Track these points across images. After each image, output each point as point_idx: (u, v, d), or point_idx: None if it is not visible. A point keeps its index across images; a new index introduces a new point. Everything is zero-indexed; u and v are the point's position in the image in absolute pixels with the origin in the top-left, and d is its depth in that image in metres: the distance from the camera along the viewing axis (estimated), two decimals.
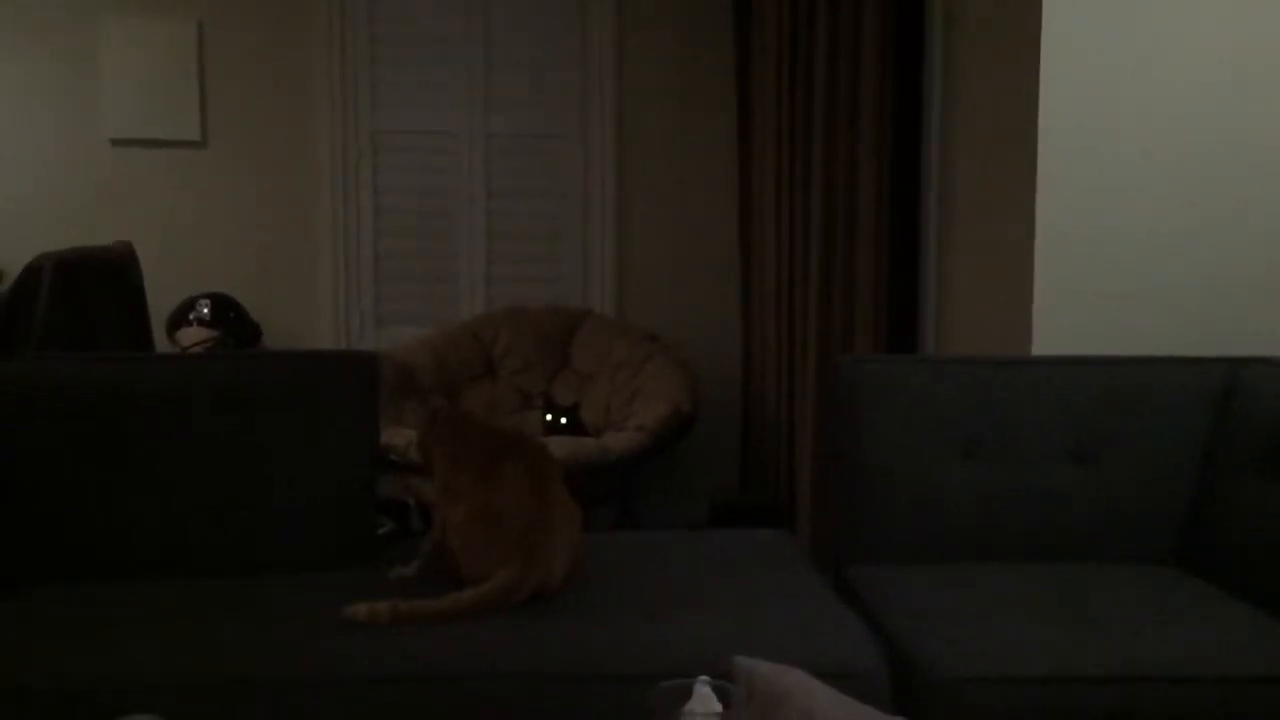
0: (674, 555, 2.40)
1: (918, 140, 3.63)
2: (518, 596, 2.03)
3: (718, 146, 4.63)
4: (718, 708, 1.34)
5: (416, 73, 4.60)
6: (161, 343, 4.21)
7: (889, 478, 2.46)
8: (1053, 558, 2.38)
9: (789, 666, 1.38)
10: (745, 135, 4.42)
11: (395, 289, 4.69)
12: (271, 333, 4.53)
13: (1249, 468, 2.30)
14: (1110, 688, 1.83)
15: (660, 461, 4.17)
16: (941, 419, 2.46)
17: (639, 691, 1.40)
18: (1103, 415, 2.45)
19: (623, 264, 4.73)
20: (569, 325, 4.48)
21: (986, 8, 3.13)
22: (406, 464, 3.45)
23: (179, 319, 4.32)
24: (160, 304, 4.11)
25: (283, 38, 4.57)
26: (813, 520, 3.81)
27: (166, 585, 2.19)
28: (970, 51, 3.27)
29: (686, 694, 1.34)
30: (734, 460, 4.57)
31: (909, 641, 1.98)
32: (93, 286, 3.34)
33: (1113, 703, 1.83)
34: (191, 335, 4.28)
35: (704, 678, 1.36)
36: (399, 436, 3.62)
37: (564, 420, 4.09)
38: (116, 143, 4.55)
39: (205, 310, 4.31)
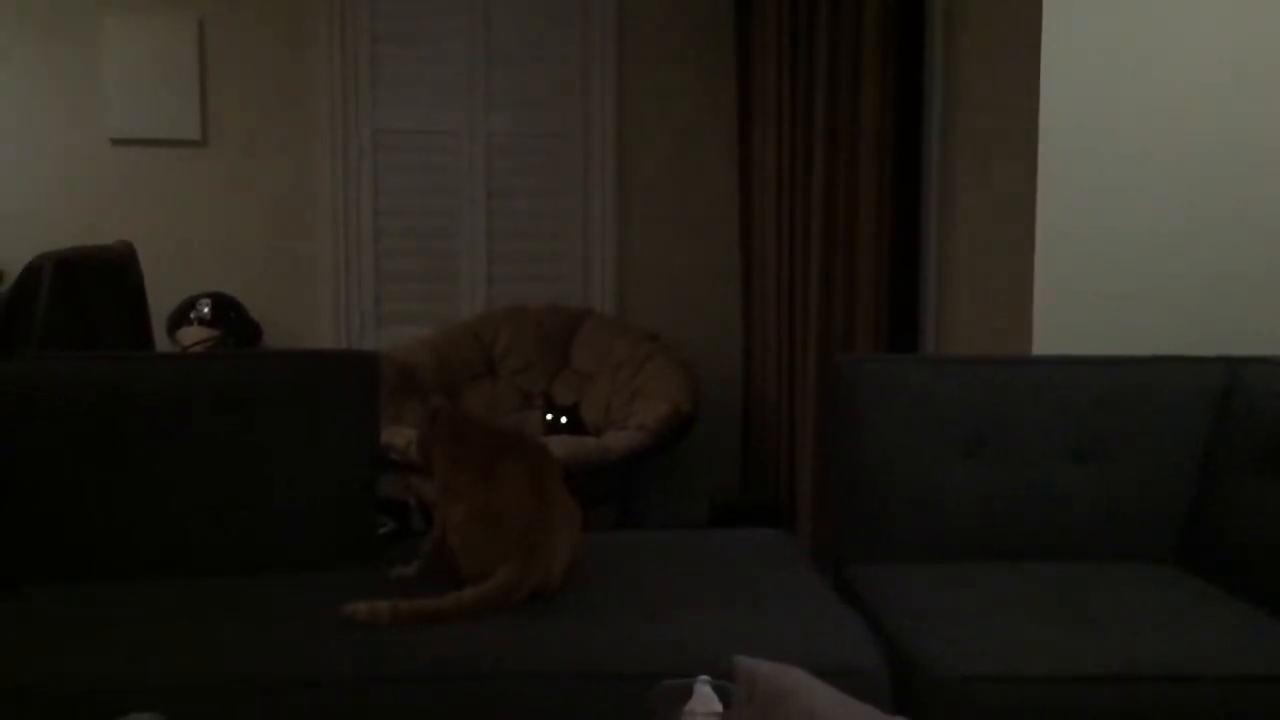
0: (674, 555, 2.39)
1: (918, 140, 3.63)
2: (518, 596, 2.03)
3: (718, 146, 4.63)
4: (718, 707, 1.34)
5: (417, 72, 4.61)
6: (162, 342, 4.22)
7: (889, 477, 2.46)
8: (1053, 557, 2.38)
9: (789, 666, 1.38)
10: (746, 134, 4.42)
11: (396, 288, 4.69)
12: (272, 332, 4.53)
13: (1249, 467, 2.30)
14: (1110, 687, 1.83)
15: (660, 461, 4.17)
16: (942, 418, 2.46)
17: (639, 691, 1.40)
18: (1103, 415, 2.45)
19: (623, 263, 4.73)
20: (569, 325, 4.48)
21: (987, 7, 3.13)
22: (407, 463, 3.45)
23: (179, 318, 4.32)
24: (161, 303, 4.11)
25: (283, 37, 4.57)
26: (813, 520, 3.81)
27: (166, 585, 2.19)
28: (971, 51, 3.27)
29: (687, 693, 1.34)
30: (734, 460, 4.57)
31: (909, 641, 1.98)
32: (93, 286, 3.34)
33: (1113, 702, 1.83)
34: (192, 335, 4.28)
35: (704, 677, 1.36)
36: (399, 436, 3.62)
37: (564, 420, 4.09)
38: (117, 142, 4.55)
39: (206, 309, 4.31)
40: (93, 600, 2.11)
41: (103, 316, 3.37)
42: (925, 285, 3.58)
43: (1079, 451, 2.44)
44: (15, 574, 2.20)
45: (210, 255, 4.60)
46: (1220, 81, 2.76)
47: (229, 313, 4.36)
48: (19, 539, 2.25)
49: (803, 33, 3.83)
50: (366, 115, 4.60)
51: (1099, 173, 2.78)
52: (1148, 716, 1.83)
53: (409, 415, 3.91)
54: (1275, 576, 2.15)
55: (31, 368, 2.43)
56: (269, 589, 2.16)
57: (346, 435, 2.40)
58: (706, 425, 4.32)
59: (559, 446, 3.06)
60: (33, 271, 3.12)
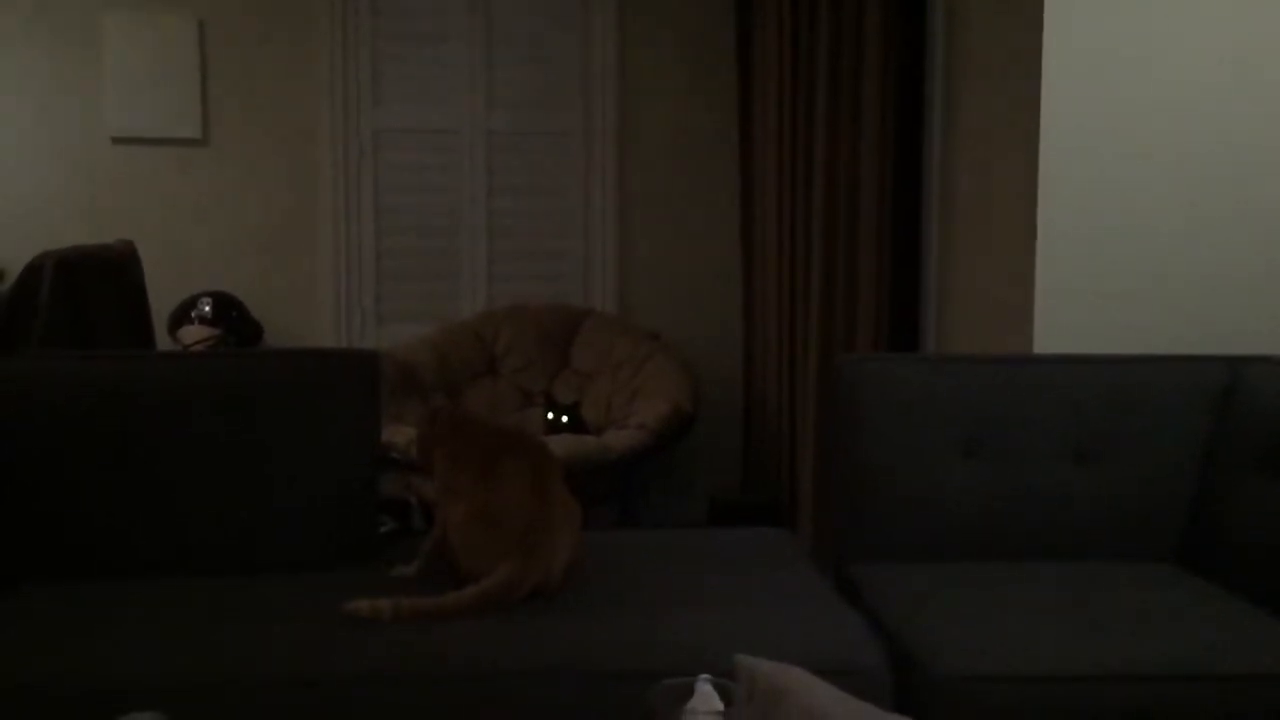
0: (674, 554, 2.39)
1: (919, 139, 3.63)
2: (518, 594, 2.03)
3: (719, 145, 4.63)
4: (719, 706, 1.34)
5: (418, 70, 4.61)
6: (163, 341, 4.22)
7: (890, 476, 2.46)
8: (1054, 556, 2.38)
9: (790, 665, 1.38)
10: (747, 134, 4.43)
11: (396, 287, 4.69)
12: (273, 331, 4.53)
13: (1249, 466, 2.30)
14: (1110, 686, 1.84)
15: (661, 460, 4.17)
16: (943, 418, 2.46)
17: (640, 690, 1.40)
18: (1103, 414, 2.45)
19: (624, 262, 4.73)
20: (570, 324, 4.48)
21: (988, 7, 3.13)
22: (408, 462, 3.45)
23: (180, 317, 4.32)
24: (161, 302, 4.12)
25: (284, 35, 4.57)
26: (814, 519, 3.81)
27: (166, 585, 2.19)
28: (972, 51, 3.27)
29: (688, 692, 1.34)
30: (735, 459, 4.57)
31: (910, 639, 1.98)
32: (94, 285, 3.34)
33: (1113, 701, 1.83)
34: (193, 333, 4.28)
35: (705, 676, 1.36)
36: (400, 435, 3.62)
37: (565, 419, 4.10)
38: (118, 140, 4.55)
39: (207, 308, 4.31)
40: (93, 600, 2.11)
41: (103, 315, 3.37)
42: (925, 285, 3.58)
43: (1079, 451, 2.44)
44: (15, 574, 2.21)
45: (211, 254, 4.60)
46: (1220, 81, 2.76)
47: (230, 311, 4.36)
48: (19, 539, 2.25)
49: (803, 33, 3.83)
50: (367, 114, 4.60)
51: (1099, 173, 2.78)
52: (1148, 716, 1.83)
53: (410, 414, 3.91)
54: (1275, 576, 2.15)
55: (32, 367, 2.43)
56: (269, 589, 2.16)
57: (347, 434, 2.40)
58: (707, 425, 4.32)
59: (559, 445, 3.06)
60: (33, 270, 3.12)
